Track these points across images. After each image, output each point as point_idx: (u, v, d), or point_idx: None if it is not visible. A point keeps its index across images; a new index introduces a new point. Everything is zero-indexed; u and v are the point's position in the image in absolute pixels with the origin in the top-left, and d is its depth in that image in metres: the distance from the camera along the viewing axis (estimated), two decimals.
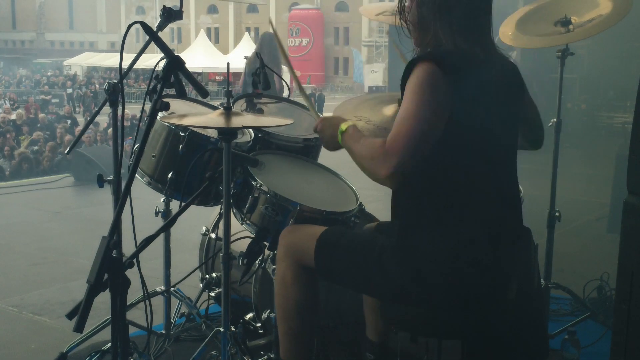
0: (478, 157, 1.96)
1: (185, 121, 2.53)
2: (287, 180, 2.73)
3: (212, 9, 52.29)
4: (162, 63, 1.94)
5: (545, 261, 3.33)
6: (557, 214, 3.34)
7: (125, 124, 3.22)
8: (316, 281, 2.31)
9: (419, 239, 1.98)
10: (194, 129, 2.72)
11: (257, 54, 3.15)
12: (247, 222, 2.61)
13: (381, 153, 1.86)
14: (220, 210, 2.78)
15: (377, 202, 2.14)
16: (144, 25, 1.96)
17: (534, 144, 2.29)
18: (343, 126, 2.10)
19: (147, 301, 2.25)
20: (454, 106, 1.89)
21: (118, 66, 2.11)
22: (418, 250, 1.97)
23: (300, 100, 2.92)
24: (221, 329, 2.42)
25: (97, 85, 27.86)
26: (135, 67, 2.78)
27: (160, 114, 2.10)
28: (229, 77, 3.14)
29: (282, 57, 2.64)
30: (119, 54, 2.06)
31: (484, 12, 2.04)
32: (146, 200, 2.93)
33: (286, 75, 3.25)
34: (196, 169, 2.69)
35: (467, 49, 1.97)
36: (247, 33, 37.33)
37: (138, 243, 1.94)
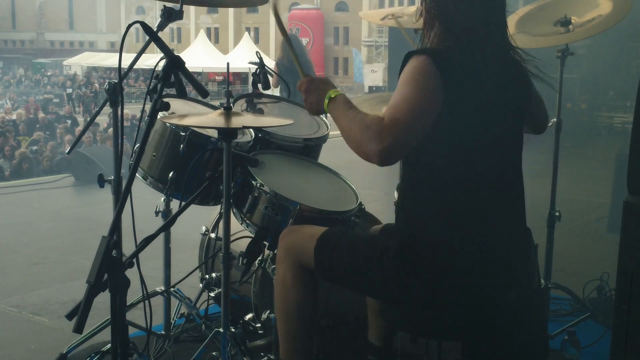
0: (478, 160, 1.96)
1: (186, 121, 2.53)
2: (287, 180, 2.73)
3: (212, 9, 52.26)
4: (162, 63, 1.94)
5: (545, 261, 3.33)
6: (557, 214, 3.34)
7: (125, 124, 3.21)
8: (316, 282, 2.31)
9: (419, 240, 1.98)
10: (195, 128, 2.72)
11: (257, 53, 3.15)
12: (247, 221, 2.61)
13: (377, 127, 1.82)
14: (220, 210, 2.78)
15: (377, 201, 2.14)
16: (144, 25, 1.96)
17: (537, 131, 2.29)
18: (332, 93, 2.04)
19: (147, 301, 2.25)
20: (447, 103, 1.88)
21: (118, 66, 2.10)
22: (418, 251, 1.97)
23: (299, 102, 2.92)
24: (221, 330, 2.42)
25: (97, 85, 27.87)
26: (135, 67, 2.78)
27: (160, 114, 2.09)
28: (229, 77, 3.14)
29: (284, 39, 2.60)
30: (118, 54, 2.06)
31: (493, 11, 2.01)
32: (146, 200, 2.93)
33: (286, 76, 3.23)
34: (196, 168, 2.69)
35: (467, 48, 1.96)
36: (247, 33, 37.31)
37: (138, 243, 1.94)
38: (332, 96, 2.04)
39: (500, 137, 2.00)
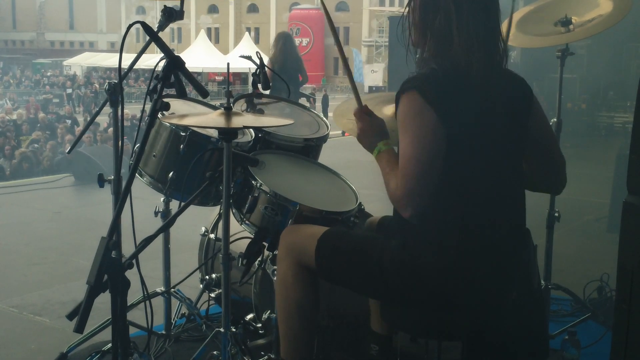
0: (477, 162, 1.96)
1: (186, 121, 2.53)
2: (287, 180, 2.73)
3: (213, 9, 52.30)
4: (162, 63, 1.94)
5: (545, 261, 3.32)
6: (556, 214, 3.34)
7: (125, 124, 3.21)
8: (317, 281, 2.31)
9: (419, 241, 1.98)
10: (195, 129, 2.72)
11: (257, 53, 3.15)
12: (247, 222, 2.61)
13: (397, 198, 1.92)
14: (220, 210, 2.78)
15: (377, 202, 2.14)
16: (144, 25, 1.96)
17: (554, 189, 2.33)
18: (382, 146, 2.11)
19: (148, 302, 2.25)
20: (446, 129, 1.90)
21: (118, 66, 2.10)
22: (418, 251, 1.97)
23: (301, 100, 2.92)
24: (221, 330, 2.42)
25: (97, 86, 27.87)
26: (135, 67, 2.78)
27: (160, 114, 2.09)
28: (229, 77, 3.14)
29: (333, 35, 2.59)
30: (118, 54, 2.06)
31: (486, 21, 2.00)
32: (146, 200, 2.93)
33: (286, 76, 3.23)
34: (196, 168, 2.69)
35: (457, 64, 1.95)
36: (247, 33, 37.33)
37: (137, 243, 1.94)
38: (382, 149, 2.11)
39: (499, 139, 2.00)
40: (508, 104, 2.02)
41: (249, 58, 3.10)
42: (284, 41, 6.73)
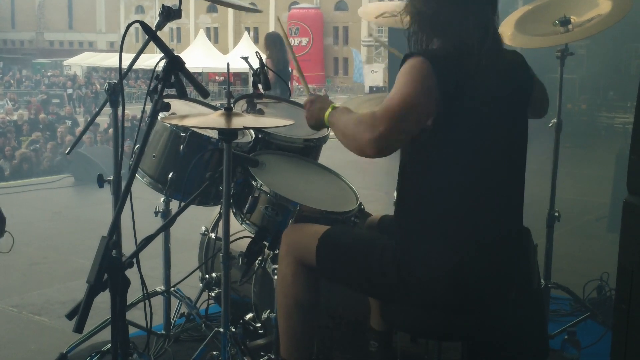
0: (477, 159, 1.96)
1: (186, 122, 2.53)
2: (287, 180, 2.73)
3: (212, 9, 52.24)
4: (162, 63, 1.94)
5: (545, 261, 3.33)
6: (557, 214, 3.34)
7: (126, 124, 3.22)
8: (317, 280, 2.31)
9: (419, 240, 1.98)
10: (195, 129, 2.72)
11: (257, 53, 3.15)
12: (247, 222, 2.61)
13: (369, 118, 1.86)
14: (220, 210, 2.78)
15: (377, 202, 2.14)
16: (144, 25, 1.96)
17: (538, 115, 2.30)
18: (334, 104, 2.14)
19: (147, 301, 2.25)
20: (444, 106, 1.89)
21: (118, 66, 2.10)
22: (418, 251, 1.97)
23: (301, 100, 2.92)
24: (221, 330, 2.42)
25: (97, 86, 27.85)
26: (135, 67, 2.78)
27: (160, 115, 2.10)
28: (229, 77, 3.14)
29: (290, 54, 2.67)
30: (118, 54, 2.06)
31: (486, 11, 2.01)
32: (146, 200, 2.93)
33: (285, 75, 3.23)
34: (196, 169, 2.69)
35: (464, 50, 1.96)
36: (246, 33, 37.32)
37: (138, 243, 1.94)
38: (336, 106, 2.12)
39: (501, 138, 2.00)
40: (511, 93, 2.03)
41: (246, 59, 3.10)
42: (280, 41, 6.73)
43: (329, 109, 2.11)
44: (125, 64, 2.62)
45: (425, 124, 1.90)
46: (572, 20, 3.07)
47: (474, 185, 1.96)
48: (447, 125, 1.91)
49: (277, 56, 6.56)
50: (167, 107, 1.88)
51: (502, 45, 2.05)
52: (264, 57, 3.16)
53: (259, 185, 2.56)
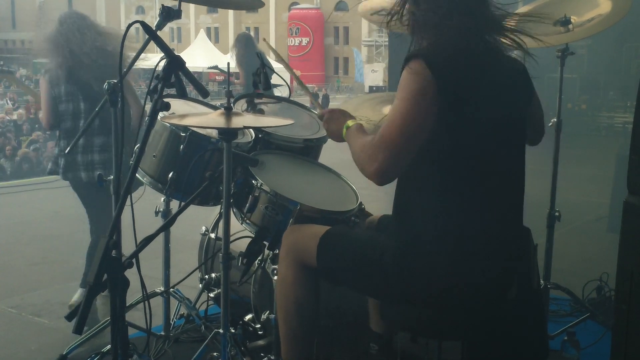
0: (477, 160, 1.96)
1: (186, 121, 2.53)
2: (287, 180, 2.73)
3: (212, 9, 52.22)
4: (162, 63, 1.94)
5: (545, 261, 3.32)
6: (557, 214, 3.33)
7: None
8: (317, 281, 2.31)
9: (419, 240, 1.98)
10: (195, 129, 2.71)
11: (257, 54, 3.15)
12: (247, 221, 2.61)
13: (370, 148, 1.92)
14: (220, 210, 2.78)
15: (377, 202, 2.14)
16: (144, 25, 1.96)
17: (531, 143, 2.29)
18: (349, 122, 2.17)
19: (147, 302, 2.25)
20: (443, 108, 1.88)
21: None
22: (418, 251, 1.97)
23: (301, 100, 2.93)
24: (221, 331, 2.42)
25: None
26: (134, 67, 2.78)
27: (160, 114, 2.09)
28: (229, 77, 3.13)
29: (283, 63, 2.71)
30: (119, 54, 2.05)
31: (480, 11, 2.01)
32: (146, 200, 2.93)
33: (285, 74, 3.23)
34: (197, 169, 2.69)
35: (463, 47, 1.95)
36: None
37: (138, 243, 1.93)
38: (349, 125, 2.16)
39: (500, 139, 2.00)
40: (513, 93, 2.03)
41: (216, 68, 3.11)
42: (246, 41, 6.75)
43: (344, 130, 2.17)
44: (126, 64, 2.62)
45: (424, 139, 1.91)
46: (572, 20, 3.07)
47: (474, 185, 1.96)
48: (447, 132, 1.91)
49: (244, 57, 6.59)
50: (167, 106, 1.88)
51: (501, 46, 2.05)
52: (270, 58, 3.16)
53: (259, 185, 2.55)
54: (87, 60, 3.53)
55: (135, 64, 2.64)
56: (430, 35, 2.01)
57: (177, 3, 2.54)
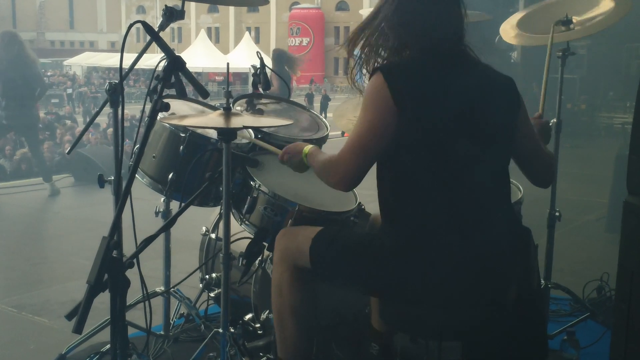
0: (461, 163, 1.95)
1: (186, 122, 2.52)
2: (286, 181, 2.73)
3: (213, 9, 52.21)
4: (163, 63, 1.94)
5: (545, 261, 3.33)
6: (557, 214, 3.34)
7: (125, 124, 3.20)
8: (313, 283, 2.30)
9: (415, 239, 1.98)
10: (194, 129, 2.71)
11: (257, 53, 3.15)
12: (246, 222, 2.61)
13: (331, 164, 2.06)
14: (220, 210, 2.78)
15: (377, 202, 2.14)
16: (145, 25, 1.96)
17: (542, 185, 2.27)
18: (306, 149, 2.28)
19: (147, 302, 2.25)
20: (404, 117, 1.92)
21: (118, 66, 2.10)
22: (415, 249, 1.96)
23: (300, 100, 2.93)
24: (220, 330, 2.42)
25: (94, 87, 27.79)
26: (135, 67, 2.78)
27: (160, 115, 2.09)
28: (228, 77, 3.14)
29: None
30: (119, 54, 2.05)
31: (448, 24, 2.03)
32: (146, 200, 2.93)
33: (285, 75, 3.23)
34: (196, 169, 2.69)
35: (431, 52, 1.98)
36: (247, 32, 37.31)
37: (138, 243, 1.93)
38: (307, 152, 2.27)
39: (478, 142, 1.97)
40: (485, 106, 2.00)
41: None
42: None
43: (304, 159, 2.27)
44: (127, 64, 2.62)
45: (388, 145, 1.96)
46: (573, 20, 3.08)
47: (466, 181, 1.95)
48: (413, 134, 1.93)
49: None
50: (166, 107, 1.88)
51: (472, 53, 2.06)
52: (267, 58, 3.17)
53: (257, 186, 2.55)
54: None
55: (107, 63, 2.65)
56: (393, 55, 2.11)
57: (179, 3, 2.54)
